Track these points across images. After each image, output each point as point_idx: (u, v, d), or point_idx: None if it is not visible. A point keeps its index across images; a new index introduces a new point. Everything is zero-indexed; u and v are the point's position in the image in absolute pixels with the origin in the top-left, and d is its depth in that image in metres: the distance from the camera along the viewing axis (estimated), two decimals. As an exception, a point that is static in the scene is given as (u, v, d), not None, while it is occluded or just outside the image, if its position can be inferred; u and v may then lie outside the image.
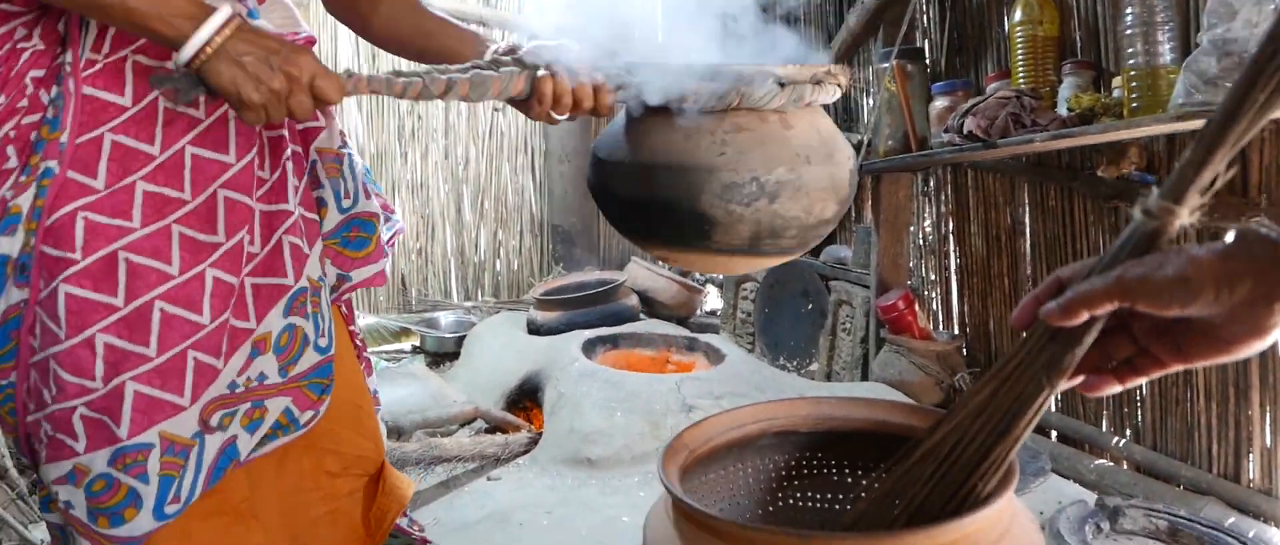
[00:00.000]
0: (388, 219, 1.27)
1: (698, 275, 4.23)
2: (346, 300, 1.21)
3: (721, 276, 4.11)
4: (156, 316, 0.95)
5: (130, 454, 0.94)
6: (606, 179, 1.18)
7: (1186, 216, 0.58)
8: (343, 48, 4.20)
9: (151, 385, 0.95)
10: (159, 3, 0.88)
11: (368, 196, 1.17)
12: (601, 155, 1.19)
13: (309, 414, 1.07)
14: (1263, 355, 1.80)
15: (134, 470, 0.94)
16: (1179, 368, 0.62)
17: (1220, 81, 1.57)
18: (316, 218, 1.11)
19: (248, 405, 1.02)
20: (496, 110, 4.58)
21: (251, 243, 1.02)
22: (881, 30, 2.78)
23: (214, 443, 0.99)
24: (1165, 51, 1.73)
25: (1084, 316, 0.60)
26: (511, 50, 1.13)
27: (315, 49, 1.06)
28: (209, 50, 0.89)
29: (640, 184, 1.12)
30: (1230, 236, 0.56)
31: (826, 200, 1.12)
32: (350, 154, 1.18)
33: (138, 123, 0.97)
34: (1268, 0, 1.56)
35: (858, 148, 2.78)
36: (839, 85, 1.12)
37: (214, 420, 0.99)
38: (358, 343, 1.27)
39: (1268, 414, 1.81)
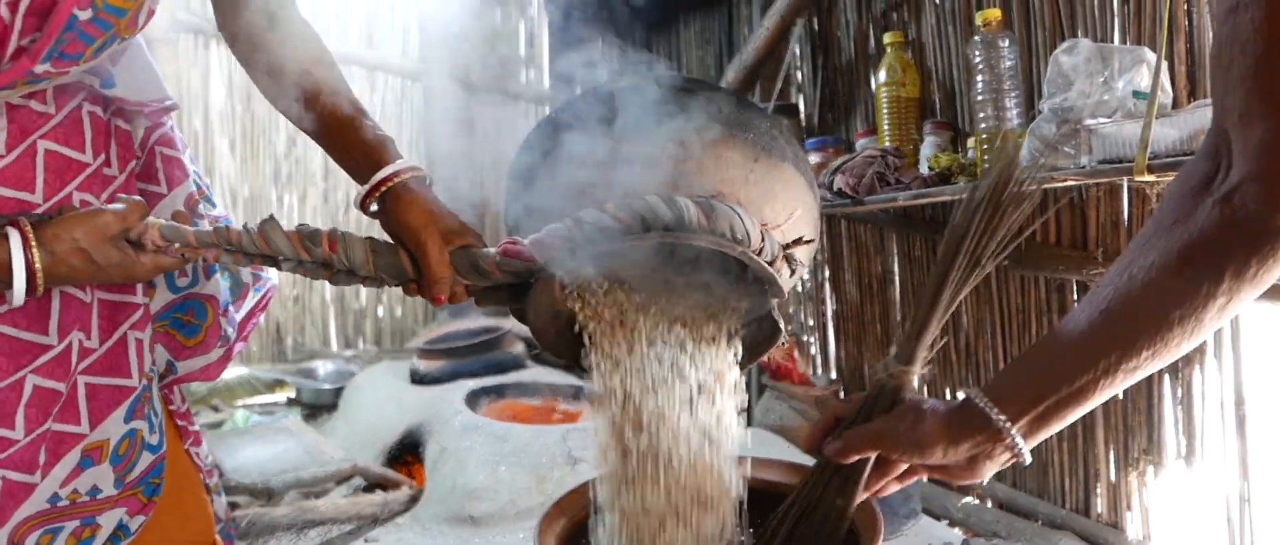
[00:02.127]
0: (257, 278, 1.18)
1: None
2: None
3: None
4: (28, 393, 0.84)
5: None
6: None
7: (917, 373, 0.77)
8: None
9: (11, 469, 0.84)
10: None
11: (208, 276, 1.06)
12: None
13: (139, 520, 0.97)
14: (1106, 397, 1.94)
15: None
16: (925, 476, 0.79)
17: (1060, 146, 1.70)
18: (148, 301, 1.00)
19: (75, 524, 0.91)
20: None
21: (87, 339, 0.92)
22: (758, 85, 2.88)
23: None
24: (1012, 116, 1.86)
25: (854, 458, 0.77)
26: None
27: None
28: (39, 270, 0.81)
29: None
30: (961, 397, 0.72)
31: None
32: (200, 221, 1.06)
33: None
34: (1099, 73, 1.71)
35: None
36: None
37: (30, 541, 0.88)
38: (180, 421, 1.13)
39: (1112, 451, 1.94)
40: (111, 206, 0.87)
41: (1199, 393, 1.77)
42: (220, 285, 1.10)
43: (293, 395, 3.80)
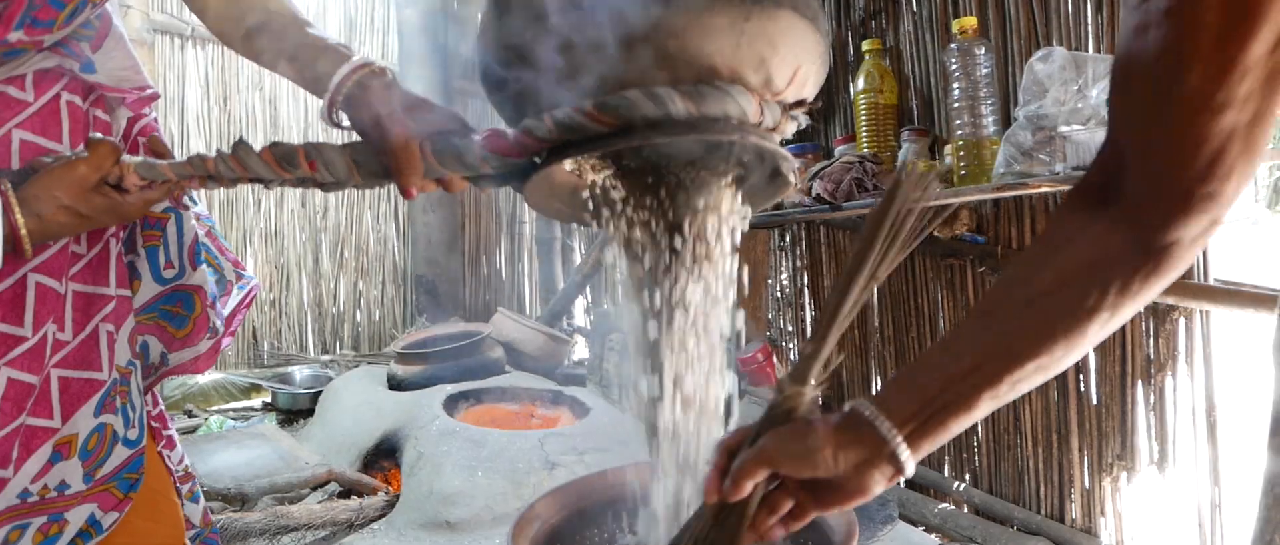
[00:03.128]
0: (239, 277, 1.17)
1: (565, 326, 4.22)
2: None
3: (589, 327, 4.12)
4: None
5: None
6: None
7: (810, 393, 0.75)
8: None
9: None
10: None
11: (195, 267, 1.06)
12: None
13: (113, 517, 0.95)
14: (1080, 401, 1.95)
15: None
16: (816, 513, 0.77)
17: (1035, 152, 1.72)
18: (130, 293, 1.00)
19: (43, 519, 0.89)
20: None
21: (61, 331, 0.91)
22: (739, 91, 2.89)
23: None
24: (988, 124, 1.88)
25: (748, 487, 0.73)
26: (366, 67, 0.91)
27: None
28: (24, 235, 0.82)
29: None
30: (847, 408, 0.71)
31: None
32: (179, 215, 1.05)
33: None
34: (1074, 81, 1.72)
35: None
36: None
37: (0, 535, 0.87)
38: (154, 424, 1.12)
39: (1085, 458, 1.96)
40: (80, 155, 0.85)
41: (1171, 400, 1.78)
42: (207, 277, 1.08)
43: (268, 401, 3.75)
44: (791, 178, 0.87)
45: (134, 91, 1.01)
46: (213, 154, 0.87)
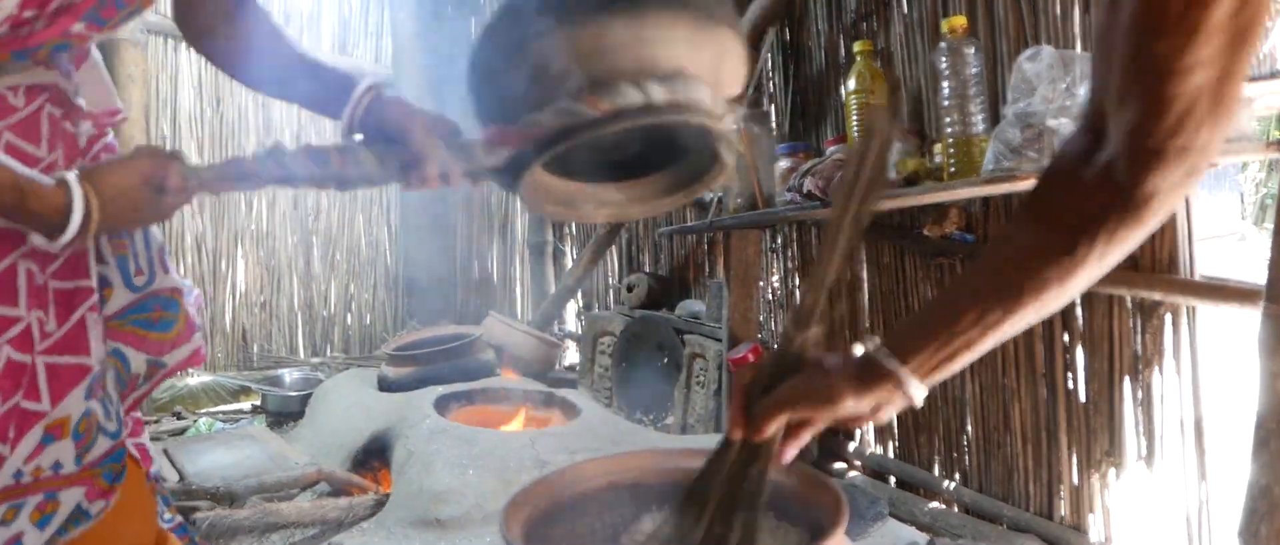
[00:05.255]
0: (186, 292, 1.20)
1: (556, 330, 4.22)
2: None
3: (579, 331, 4.12)
4: None
5: None
6: None
7: (812, 335, 0.83)
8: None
9: None
10: (24, 208, 0.86)
11: (166, 271, 1.09)
12: None
13: (100, 504, 0.97)
14: (1069, 399, 1.97)
15: None
16: (824, 425, 0.85)
17: (1023, 150, 1.73)
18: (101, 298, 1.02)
19: (40, 497, 0.92)
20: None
21: (47, 321, 0.94)
22: (730, 94, 2.91)
23: None
24: (977, 122, 1.89)
25: (769, 432, 0.83)
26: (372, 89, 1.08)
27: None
28: (96, 218, 0.89)
29: None
30: (860, 353, 0.80)
31: None
32: (149, 232, 1.10)
33: None
34: (1061, 79, 1.74)
35: (709, 205, 2.88)
36: None
37: None
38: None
39: (1074, 455, 1.97)
40: (135, 156, 0.92)
41: (1159, 397, 1.80)
42: (178, 278, 1.12)
43: (258, 403, 3.74)
44: (729, 160, 1.03)
45: (105, 115, 1.08)
46: (249, 156, 0.95)
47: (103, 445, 0.98)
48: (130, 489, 1.06)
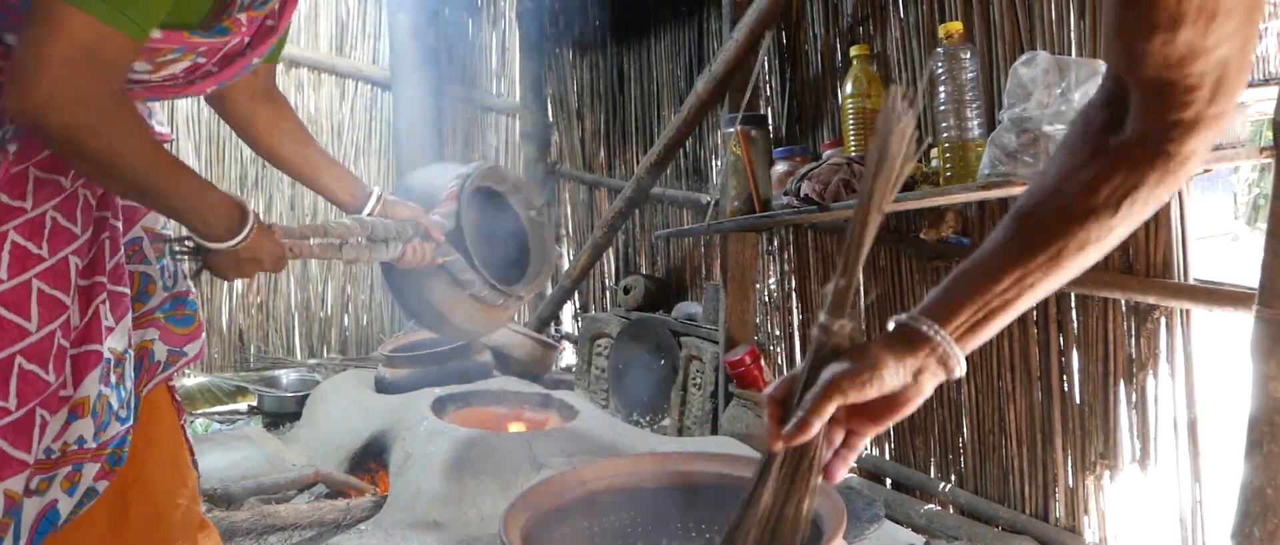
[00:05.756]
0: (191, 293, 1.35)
1: (553, 331, 4.23)
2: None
3: (576, 333, 4.12)
4: (15, 371, 0.96)
5: None
6: None
7: (848, 325, 0.81)
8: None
9: (6, 439, 0.95)
10: (199, 203, 1.06)
11: (184, 275, 1.24)
12: None
13: (103, 483, 1.07)
14: (1064, 401, 1.98)
15: None
16: (873, 432, 0.81)
17: (1019, 155, 1.74)
18: (127, 292, 1.12)
19: (68, 468, 1.02)
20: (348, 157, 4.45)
21: (74, 313, 1.04)
22: (727, 96, 2.92)
23: (32, 508, 0.99)
24: (974, 127, 1.90)
25: (818, 426, 0.77)
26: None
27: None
28: (235, 248, 1.12)
29: None
30: (893, 325, 0.79)
31: None
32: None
33: (11, 183, 1.00)
34: (1057, 84, 1.75)
35: (706, 208, 2.88)
36: None
37: (32, 483, 0.99)
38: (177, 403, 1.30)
39: (1069, 457, 1.98)
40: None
41: (1153, 399, 1.81)
42: (189, 283, 1.26)
43: (254, 404, 3.74)
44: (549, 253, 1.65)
45: (161, 139, 1.23)
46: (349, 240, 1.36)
47: (114, 429, 1.07)
48: (164, 434, 1.21)
